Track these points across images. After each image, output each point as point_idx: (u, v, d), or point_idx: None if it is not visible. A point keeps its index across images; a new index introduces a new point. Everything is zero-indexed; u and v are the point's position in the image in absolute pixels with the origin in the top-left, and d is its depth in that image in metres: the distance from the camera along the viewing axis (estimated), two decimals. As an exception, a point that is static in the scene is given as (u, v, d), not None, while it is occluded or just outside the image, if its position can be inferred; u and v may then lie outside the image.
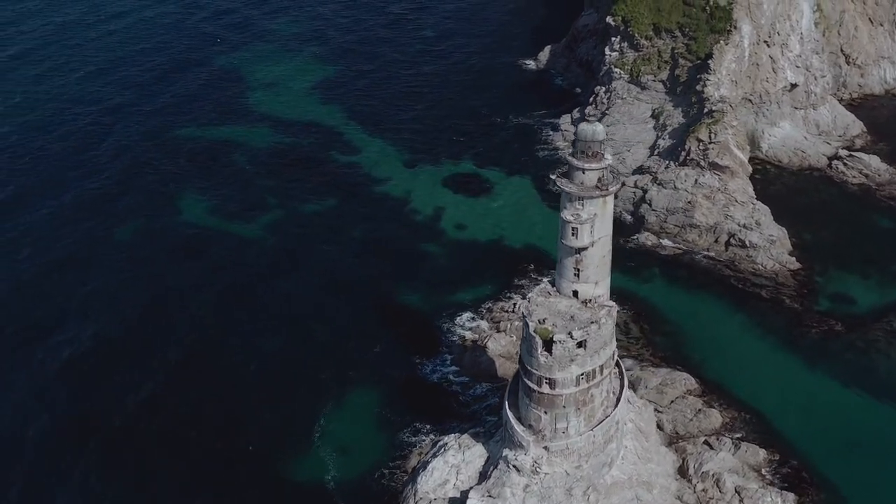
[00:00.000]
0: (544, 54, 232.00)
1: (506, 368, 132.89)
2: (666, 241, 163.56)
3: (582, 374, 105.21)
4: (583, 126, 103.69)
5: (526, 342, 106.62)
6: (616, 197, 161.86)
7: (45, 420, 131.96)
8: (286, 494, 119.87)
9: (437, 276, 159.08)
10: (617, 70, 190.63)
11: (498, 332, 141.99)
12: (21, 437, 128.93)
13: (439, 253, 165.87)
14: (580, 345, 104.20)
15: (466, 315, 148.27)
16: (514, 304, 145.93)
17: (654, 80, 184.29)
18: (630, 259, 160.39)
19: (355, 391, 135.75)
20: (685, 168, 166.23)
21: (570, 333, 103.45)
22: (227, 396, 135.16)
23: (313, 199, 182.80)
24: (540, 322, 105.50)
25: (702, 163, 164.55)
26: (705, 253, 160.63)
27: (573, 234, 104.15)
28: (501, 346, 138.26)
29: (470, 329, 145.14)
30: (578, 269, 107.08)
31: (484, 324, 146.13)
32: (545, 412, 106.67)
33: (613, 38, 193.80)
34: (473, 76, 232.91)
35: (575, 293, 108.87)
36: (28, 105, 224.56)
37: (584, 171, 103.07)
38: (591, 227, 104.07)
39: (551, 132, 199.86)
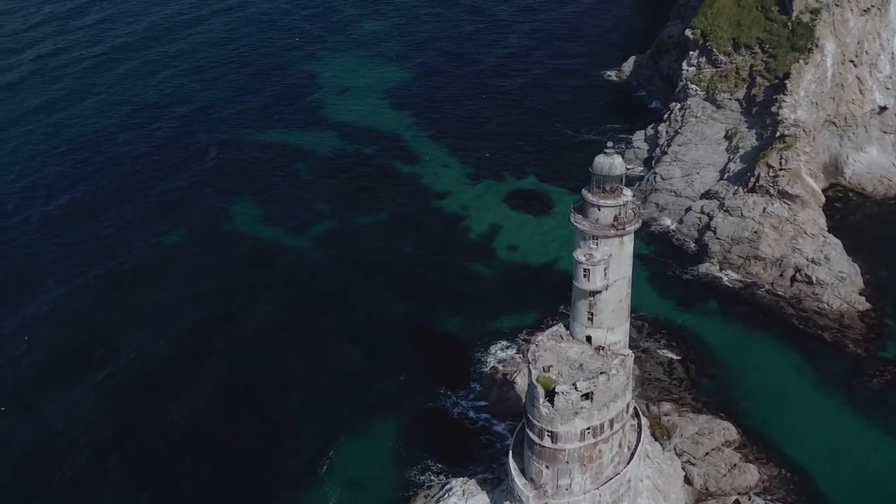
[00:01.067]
0: (628, 65, 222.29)
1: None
2: (728, 273, 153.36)
3: (588, 429, 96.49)
4: (599, 158, 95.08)
5: (529, 390, 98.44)
6: (683, 223, 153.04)
7: (80, 432, 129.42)
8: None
9: (480, 300, 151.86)
10: (693, 86, 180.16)
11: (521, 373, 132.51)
12: (55, 448, 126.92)
13: (486, 275, 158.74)
14: (586, 397, 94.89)
15: (501, 344, 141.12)
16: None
17: (729, 99, 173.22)
18: (687, 291, 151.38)
19: (372, 421, 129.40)
20: (753, 195, 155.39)
21: (574, 384, 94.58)
22: (240, 417, 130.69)
23: (368, 210, 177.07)
24: (545, 369, 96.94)
25: (771, 190, 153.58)
26: (768, 287, 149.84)
27: (585, 276, 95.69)
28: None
29: (502, 360, 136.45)
30: (592, 314, 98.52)
31: (517, 355, 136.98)
32: (547, 466, 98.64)
33: (692, 53, 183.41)
34: (554, 86, 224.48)
35: (588, 339, 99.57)
36: (109, 104, 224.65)
37: (599, 207, 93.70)
38: (606, 269, 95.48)
39: (624, 148, 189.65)
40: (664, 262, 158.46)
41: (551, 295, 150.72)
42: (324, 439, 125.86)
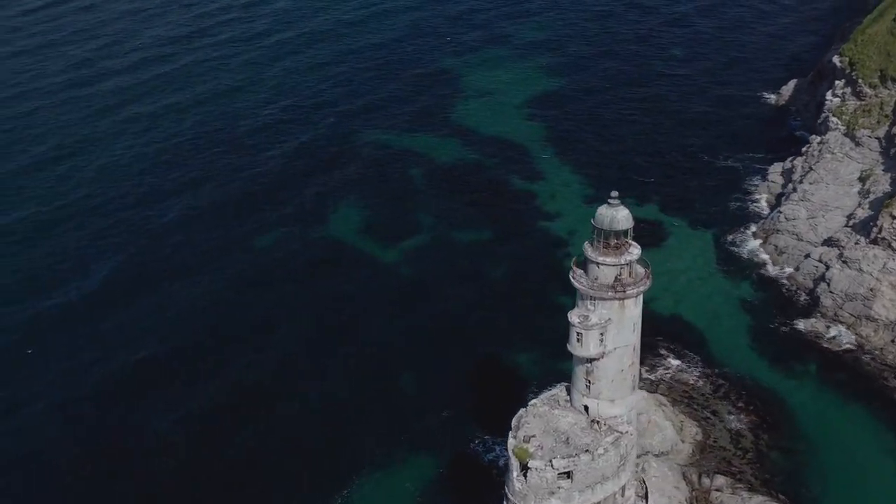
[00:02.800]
0: (788, 88, 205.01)
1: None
2: (836, 332, 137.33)
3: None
4: (601, 210, 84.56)
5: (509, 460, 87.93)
6: (799, 270, 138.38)
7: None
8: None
9: (559, 337, 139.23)
10: (834, 119, 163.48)
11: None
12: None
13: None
14: (567, 475, 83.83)
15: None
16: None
17: (869, 136, 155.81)
18: (784, 348, 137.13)
19: (398, 460, 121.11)
20: (875, 248, 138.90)
21: (551, 461, 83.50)
22: (263, 435, 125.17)
23: (470, 227, 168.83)
24: (525, 439, 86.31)
25: (893, 244, 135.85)
26: (877, 353, 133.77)
27: (578, 341, 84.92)
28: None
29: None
30: (589, 382, 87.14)
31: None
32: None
33: (837, 82, 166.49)
34: (702, 105, 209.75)
35: (586, 408, 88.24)
36: (234, 90, 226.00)
37: (598, 264, 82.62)
38: (603, 335, 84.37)
39: (758, 181, 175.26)
40: (768, 312, 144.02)
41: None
42: (343, 474, 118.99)
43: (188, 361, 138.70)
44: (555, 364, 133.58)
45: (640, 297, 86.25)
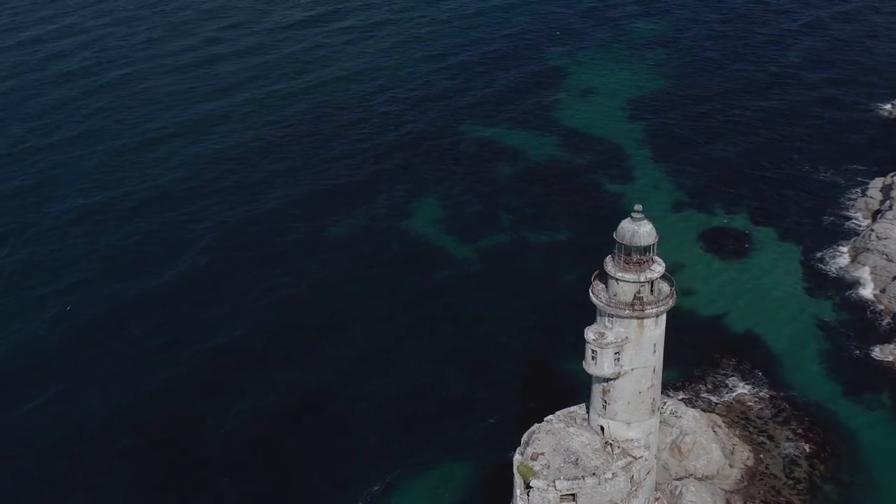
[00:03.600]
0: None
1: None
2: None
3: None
4: (624, 223, 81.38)
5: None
6: (885, 293, 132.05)
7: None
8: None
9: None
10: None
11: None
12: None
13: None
14: (571, 498, 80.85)
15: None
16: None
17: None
18: (858, 374, 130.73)
19: (429, 464, 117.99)
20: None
21: (554, 482, 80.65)
22: (296, 431, 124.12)
23: (551, 228, 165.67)
24: (532, 457, 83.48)
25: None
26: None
27: (592, 359, 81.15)
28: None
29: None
30: (605, 402, 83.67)
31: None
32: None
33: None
34: (814, 114, 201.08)
35: (602, 429, 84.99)
36: (344, 79, 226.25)
37: (617, 280, 79.19)
38: (619, 354, 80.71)
39: (857, 195, 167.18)
40: (847, 336, 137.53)
41: (702, 354, 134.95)
42: (374, 470, 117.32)
43: (260, 352, 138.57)
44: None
45: (663, 318, 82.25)
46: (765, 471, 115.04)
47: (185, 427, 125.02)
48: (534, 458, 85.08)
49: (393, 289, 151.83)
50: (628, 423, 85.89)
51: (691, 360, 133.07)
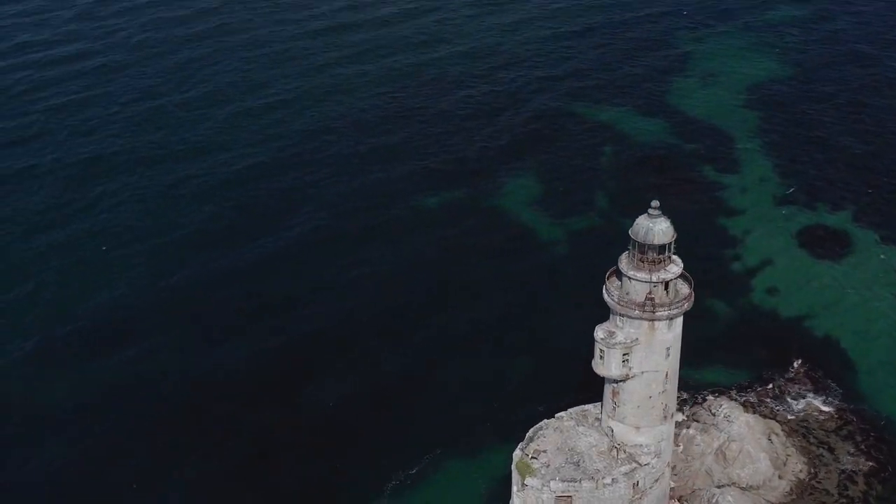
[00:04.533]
0: None
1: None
2: None
3: (564, 538, 79.68)
4: (640, 220, 77.36)
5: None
6: None
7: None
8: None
9: (695, 342, 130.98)
10: None
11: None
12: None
13: (722, 314, 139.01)
14: (567, 500, 78.58)
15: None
16: (715, 403, 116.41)
17: None
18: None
19: (475, 449, 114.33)
20: None
21: (549, 482, 78.46)
22: (359, 403, 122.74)
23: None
24: (534, 454, 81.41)
25: None
26: None
27: (600, 358, 78.33)
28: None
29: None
30: (615, 404, 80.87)
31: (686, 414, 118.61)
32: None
33: None
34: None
35: (613, 431, 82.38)
36: (469, 54, 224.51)
37: (630, 279, 76.24)
38: (627, 356, 77.67)
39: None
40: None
41: (770, 354, 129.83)
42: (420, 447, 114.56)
43: (351, 328, 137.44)
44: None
45: (678, 321, 78.17)
46: (817, 485, 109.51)
47: (262, 399, 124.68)
48: (535, 456, 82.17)
49: (491, 269, 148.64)
50: (637, 428, 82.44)
51: (763, 361, 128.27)
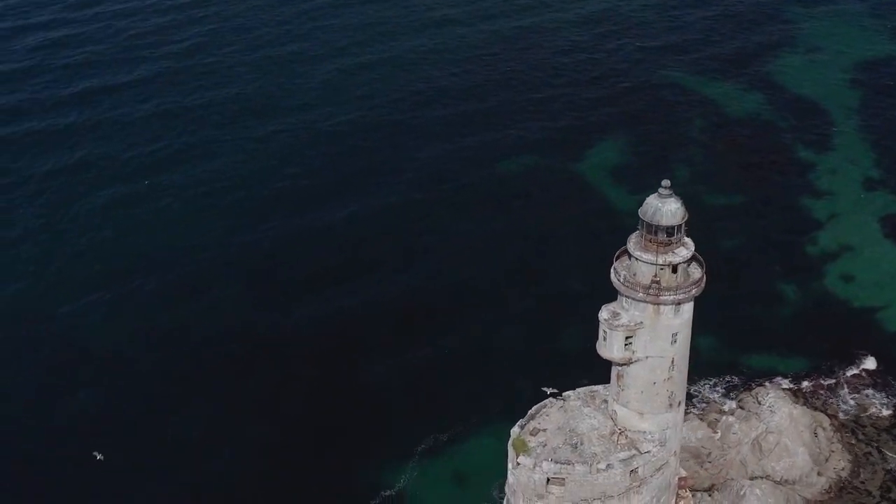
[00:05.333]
0: None
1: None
2: None
3: (555, 519, 77.94)
4: (650, 200, 74.38)
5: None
6: None
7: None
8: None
9: (758, 327, 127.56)
10: None
11: (702, 419, 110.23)
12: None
13: (791, 299, 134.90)
14: (556, 482, 76.90)
15: (718, 380, 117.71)
16: (762, 391, 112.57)
17: None
18: None
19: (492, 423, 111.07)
20: None
21: (541, 462, 76.80)
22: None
23: (726, 189, 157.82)
24: (532, 432, 79.80)
25: None
26: None
27: (604, 339, 76.10)
28: (696, 438, 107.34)
29: (705, 399, 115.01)
30: (620, 388, 78.67)
31: (728, 400, 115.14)
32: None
33: None
34: None
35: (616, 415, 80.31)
36: (577, 22, 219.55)
37: (636, 259, 73.75)
38: (630, 339, 75.25)
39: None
40: None
41: (839, 346, 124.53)
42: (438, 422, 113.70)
43: (429, 296, 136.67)
44: (734, 355, 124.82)
45: (688, 306, 74.86)
46: (859, 485, 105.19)
47: (320, 360, 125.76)
48: (533, 434, 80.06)
49: (569, 242, 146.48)
50: (641, 414, 79.39)
51: (824, 351, 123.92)
